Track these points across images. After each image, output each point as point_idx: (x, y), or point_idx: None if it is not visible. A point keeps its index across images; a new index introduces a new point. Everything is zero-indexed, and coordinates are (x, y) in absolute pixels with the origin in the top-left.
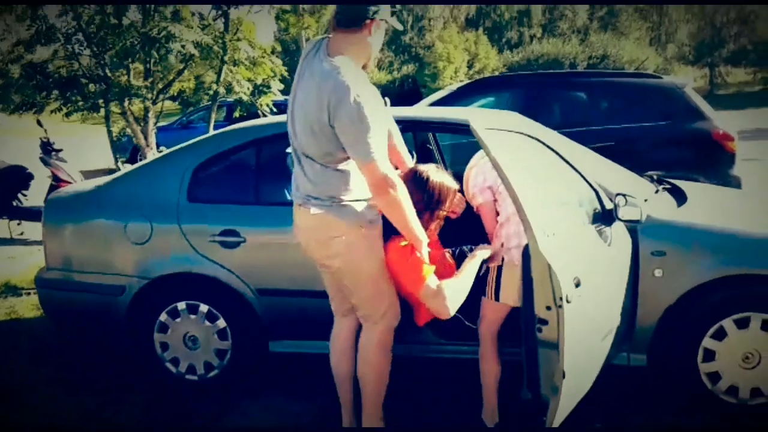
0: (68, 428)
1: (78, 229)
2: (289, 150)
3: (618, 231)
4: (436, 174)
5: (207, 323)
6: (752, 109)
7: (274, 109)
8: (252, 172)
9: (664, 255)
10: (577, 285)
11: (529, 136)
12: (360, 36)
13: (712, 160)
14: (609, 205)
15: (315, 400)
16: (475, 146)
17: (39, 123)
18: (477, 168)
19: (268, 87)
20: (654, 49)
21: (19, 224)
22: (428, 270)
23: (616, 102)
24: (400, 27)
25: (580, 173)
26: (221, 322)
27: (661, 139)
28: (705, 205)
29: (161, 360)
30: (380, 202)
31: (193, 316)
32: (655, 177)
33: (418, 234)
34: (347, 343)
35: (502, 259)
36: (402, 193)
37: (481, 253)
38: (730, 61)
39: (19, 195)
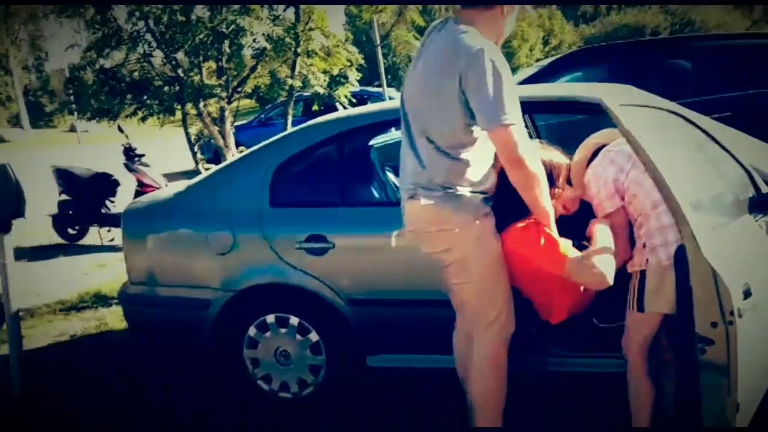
0: None
1: (158, 240)
2: (374, 142)
3: None
4: (543, 150)
5: (299, 337)
6: None
7: (353, 101)
8: (337, 171)
9: None
10: (747, 293)
11: (667, 110)
12: (493, 14)
13: None
14: (765, 189)
15: (420, 417)
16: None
17: (120, 129)
18: (593, 170)
19: (346, 77)
20: (740, 13)
21: (109, 231)
22: (565, 245)
23: (731, 67)
24: (534, 14)
25: (729, 152)
26: (313, 336)
27: None
28: None
29: (252, 377)
30: (514, 174)
31: (283, 330)
32: None
33: (549, 210)
34: (467, 336)
35: (646, 261)
36: (538, 166)
37: (602, 223)
38: None
39: (107, 202)
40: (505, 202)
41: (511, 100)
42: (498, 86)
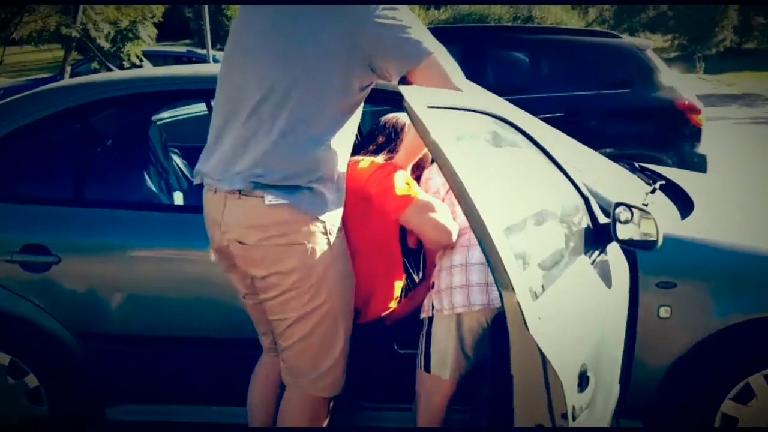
0: None
1: None
2: (160, 116)
3: (613, 256)
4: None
5: (10, 380)
6: None
7: (144, 61)
8: (76, 156)
9: (673, 287)
10: (583, 377)
11: (491, 115)
12: None
13: (675, 136)
14: (603, 220)
15: None
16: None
17: None
18: (431, 168)
19: (136, 33)
20: (576, 12)
21: None
22: (418, 190)
23: (567, 65)
24: None
25: (565, 172)
26: (31, 380)
27: (618, 110)
28: (721, 211)
29: None
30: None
31: None
32: (636, 165)
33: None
34: (270, 379)
35: (432, 308)
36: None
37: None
38: (649, 27)
39: None
40: None
41: (421, 31)
42: (408, 22)
